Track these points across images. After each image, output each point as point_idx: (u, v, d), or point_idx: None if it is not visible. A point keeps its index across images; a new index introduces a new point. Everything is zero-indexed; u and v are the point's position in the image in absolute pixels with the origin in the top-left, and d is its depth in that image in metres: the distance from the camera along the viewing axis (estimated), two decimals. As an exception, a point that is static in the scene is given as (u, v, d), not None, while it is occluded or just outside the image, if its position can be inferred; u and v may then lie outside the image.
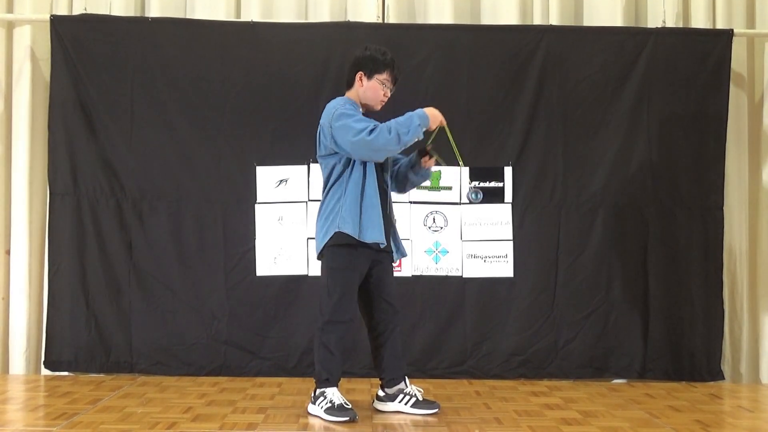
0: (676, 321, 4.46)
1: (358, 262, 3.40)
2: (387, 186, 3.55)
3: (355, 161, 3.39)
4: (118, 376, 4.35)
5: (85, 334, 4.38)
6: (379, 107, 3.54)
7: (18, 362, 4.45)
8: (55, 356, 4.39)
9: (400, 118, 3.35)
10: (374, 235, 3.36)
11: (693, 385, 4.35)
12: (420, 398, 3.50)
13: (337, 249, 3.38)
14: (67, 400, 3.73)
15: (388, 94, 3.52)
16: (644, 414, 3.58)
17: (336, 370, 3.40)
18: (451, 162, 3.54)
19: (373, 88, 3.47)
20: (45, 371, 4.43)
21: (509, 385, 4.25)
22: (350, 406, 3.35)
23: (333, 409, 3.32)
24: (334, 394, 3.36)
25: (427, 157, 3.54)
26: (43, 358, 4.42)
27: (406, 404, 3.47)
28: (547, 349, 4.45)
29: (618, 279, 4.48)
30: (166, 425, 3.23)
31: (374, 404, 3.59)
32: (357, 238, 3.34)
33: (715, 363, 4.47)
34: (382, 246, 3.40)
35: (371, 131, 3.29)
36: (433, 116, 3.39)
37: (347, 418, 3.28)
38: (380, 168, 3.50)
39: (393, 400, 3.50)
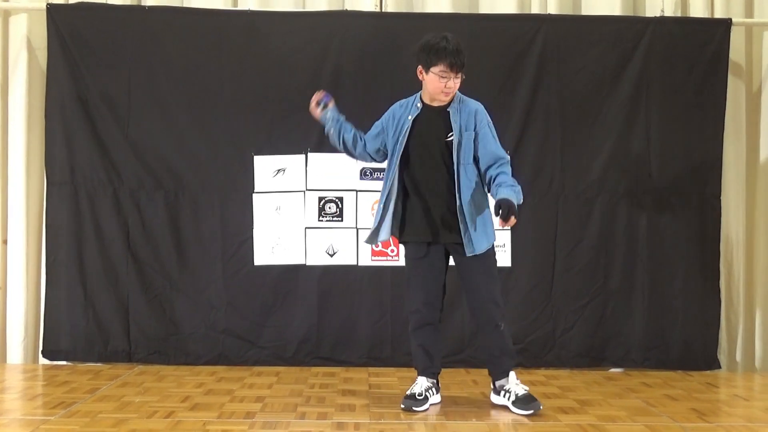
0: (672, 310, 4.47)
1: (412, 253, 3.47)
2: (448, 179, 3.38)
3: (388, 161, 3.49)
4: (116, 366, 4.35)
5: (83, 324, 4.38)
6: (445, 98, 3.39)
7: (16, 352, 4.45)
8: (52, 345, 4.39)
9: None
10: (381, 234, 3.46)
11: (689, 374, 4.36)
12: (520, 396, 3.36)
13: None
14: (65, 389, 3.73)
15: (451, 85, 3.32)
16: (641, 403, 3.59)
17: (419, 359, 3.48)
18: None
19: (431, 82, 3.34)
20: (43, 360, 4.44)
21: (506, 374, 4.26)
22: (422, 397, 3.35)
23: (405, 397, 3.39)
24: (416, 383, 3.44)
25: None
26: (41, 348, 4.43)
27: (508, 400, 3.39)
28: (545, 338, 4.46)
29: (615, 268, 4.48)
30: (164, 414, 3.24)
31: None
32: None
33: (711, 352, 4.48)
34: (375, 245, 3.49)
35: None
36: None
37: (402, 407, 3.34)
38: (422, 163, 3.39)
39: (498, 394, 3.46)
